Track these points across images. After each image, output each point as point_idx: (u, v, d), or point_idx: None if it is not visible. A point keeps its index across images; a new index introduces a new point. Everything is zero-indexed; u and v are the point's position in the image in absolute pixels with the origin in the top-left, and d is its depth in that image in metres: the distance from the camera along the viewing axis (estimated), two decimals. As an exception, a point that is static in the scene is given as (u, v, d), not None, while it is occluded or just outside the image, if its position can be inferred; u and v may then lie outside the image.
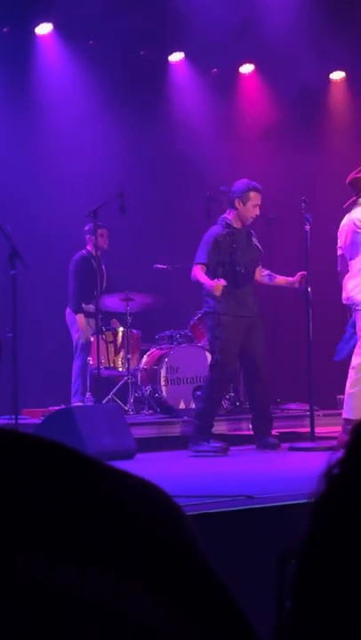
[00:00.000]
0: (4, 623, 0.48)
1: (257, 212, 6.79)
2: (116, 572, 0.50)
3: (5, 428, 0.56)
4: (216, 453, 6.48)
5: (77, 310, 8.43)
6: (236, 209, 6.78)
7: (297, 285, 6.86)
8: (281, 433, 7.53)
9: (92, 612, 0.49)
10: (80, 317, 8.41)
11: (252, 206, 6.73)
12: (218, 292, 6.53)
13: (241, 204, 6.74)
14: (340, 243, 6.52)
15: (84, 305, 8.43)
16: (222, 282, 6.55)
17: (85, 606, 0.49)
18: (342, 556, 0.56)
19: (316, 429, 6.58)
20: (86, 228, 8.34)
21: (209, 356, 8.01)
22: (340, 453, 0.61)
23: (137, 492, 0.56)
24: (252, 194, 6.72)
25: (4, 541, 0.49)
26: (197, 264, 6.73)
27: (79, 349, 8.46)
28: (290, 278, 6.97)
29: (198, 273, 6.67)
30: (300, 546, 0.59)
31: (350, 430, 0.65)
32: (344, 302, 6.54)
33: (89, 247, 8.43)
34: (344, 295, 6.49)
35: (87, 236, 8.41)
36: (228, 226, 6.80)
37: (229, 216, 6.83)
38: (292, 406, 8.48)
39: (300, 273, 6.82)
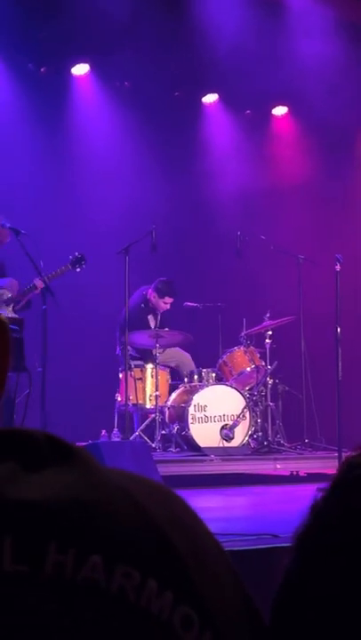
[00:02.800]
0: (34, 614, 0.50)
1: None
2: (141, 571, 0.52)
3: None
4: None
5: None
6: None
7: None
8: (309, 474, 7.48)
9: (114, 606, 0.51)
10: None
11: None
12: None
13: None
14: None
15: (118, 335, 8.44)
16: None
17: (109, 600, 0.51)
18: (324, 585, 0.58)
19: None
20: (160, 286, 8.48)
21: (237, 395, 8.01)
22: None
23: (160, 497, 0.58)
24: None
25: (39, 538, 0.52)
26: None
27: None
28: None
29: None
30: (284, 575, 0.61)
31: (339, 466, 0.64)
32: None
33: (151, 296, 8.54)
34: None
35: (152, 292, 8.54)
36: None
37: None
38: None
39: None
